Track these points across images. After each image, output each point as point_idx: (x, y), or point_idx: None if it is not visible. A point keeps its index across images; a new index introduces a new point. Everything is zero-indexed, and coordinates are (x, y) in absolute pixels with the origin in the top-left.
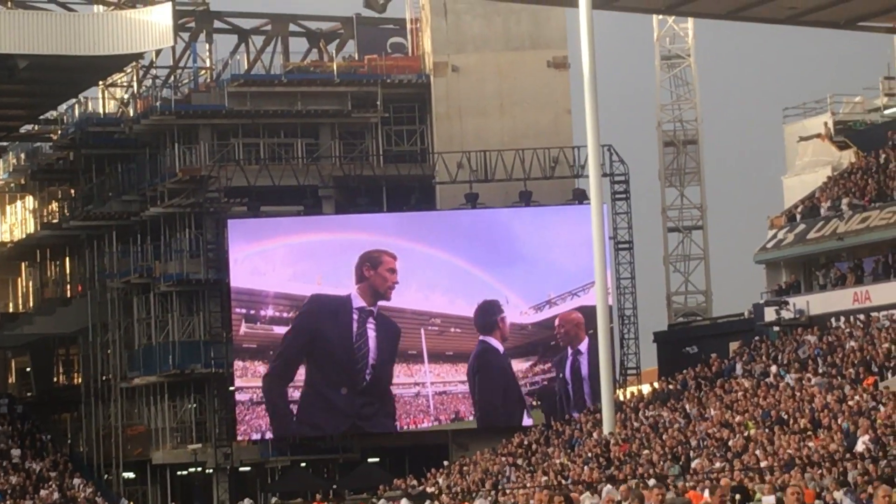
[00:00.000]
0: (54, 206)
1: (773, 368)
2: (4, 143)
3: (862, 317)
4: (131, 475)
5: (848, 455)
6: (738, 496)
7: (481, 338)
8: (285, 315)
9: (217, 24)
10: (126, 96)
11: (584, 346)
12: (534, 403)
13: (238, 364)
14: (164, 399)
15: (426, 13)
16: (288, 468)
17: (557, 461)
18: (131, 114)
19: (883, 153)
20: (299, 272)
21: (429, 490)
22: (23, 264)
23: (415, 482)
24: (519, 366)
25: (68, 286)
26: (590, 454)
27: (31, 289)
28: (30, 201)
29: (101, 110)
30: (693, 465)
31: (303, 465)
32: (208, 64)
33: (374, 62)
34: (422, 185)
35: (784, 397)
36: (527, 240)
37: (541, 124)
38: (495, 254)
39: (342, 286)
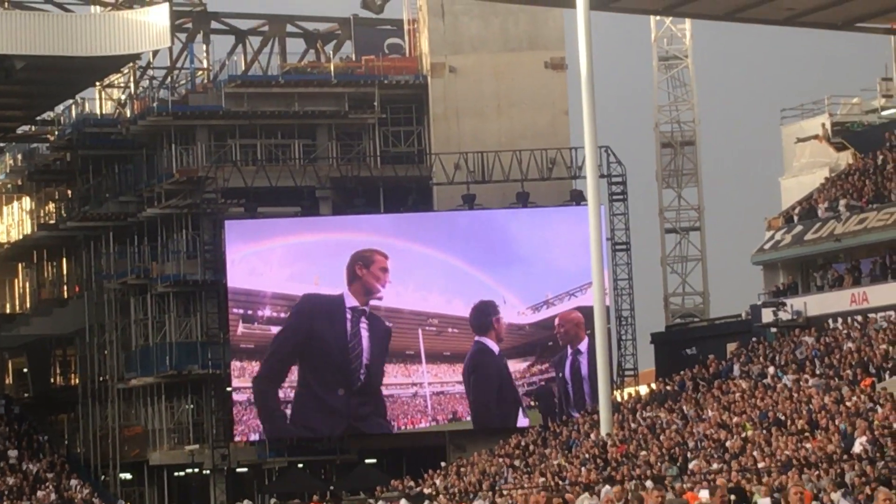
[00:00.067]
0: (51, 206)
1: (771, 370)
2: (1, 144)
3: (859, 318)
4: (128, 476)
5: (845, 456)
6: (733, 497)
7: (477, 338)
8: (282, 315)
9: (214, 24)
10: (123, 97)
11: (583, 346)
12: (531, 404)
13: (235, 364)
14: (162, 400)
15: (423, 14)
16: (285, 469)
17: (555, 462)
18: (128, 115)
19: (880, 154)
20: (296, 273)
21: (426, 491)
22: (20, 265)
23: (412, 483)
24: (516, 366)
25: (65, 287)
26: (587, 455)
27: (27, 290)
28: (27, 202)
29: (98, 111)
30: (690, 466)
31: (300, 466)
32: (205, 65)
33: (371, 63)
34: (419, 186)
35: (781, 398)
36: (524, 240)
37: (538, 125)
38: (493, 254)
39: (339, 286)
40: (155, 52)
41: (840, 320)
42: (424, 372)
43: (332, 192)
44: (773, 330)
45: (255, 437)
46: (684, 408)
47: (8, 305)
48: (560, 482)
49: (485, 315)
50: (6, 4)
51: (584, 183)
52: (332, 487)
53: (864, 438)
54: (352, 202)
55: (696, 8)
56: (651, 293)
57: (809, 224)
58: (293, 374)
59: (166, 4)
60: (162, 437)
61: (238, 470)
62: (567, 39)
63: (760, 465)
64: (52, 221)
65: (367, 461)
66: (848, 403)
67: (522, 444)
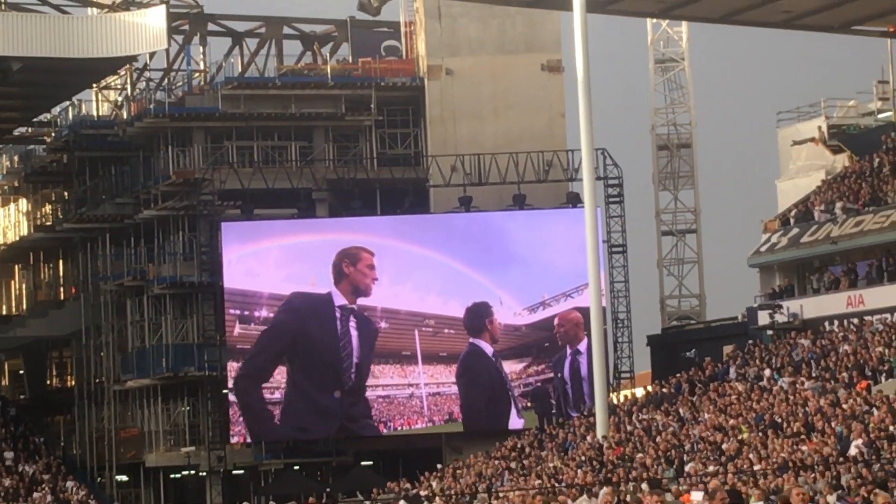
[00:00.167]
0: (48, 208)
1: (767, 372)
2: None
3: (855, 320)
4: (124, 478)
5: (841, 459)
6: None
7: (471, 340)
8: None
9: (211, 26)
10: (120, 99)
11: (583, 346)
12: (527, 404)
13: (232, 365)
14: (158, 402)
15: (420, 16)
16: (281, 471)
17: (551, 464)
18: (125, 116)
19: (877, 157)
20: (293, 274)
21: (422, 493)
22: (16, 267)
23: (408, 485)
24: (512, 367)
25: (62, 289)
26: (583, 457)
27: (24, 291)
28: (23, 204)
29: (94, 113)
30: (686, 468)
31: (296, 468)
32: (202, 67)
33: (368, 65)
34: (415, 189)
35: (777, 401)
36: (521, 242)
37: (535, 128)
38: (489, 255)
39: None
40: (152, 54)
41: (836, 323)
42: (421, 373)
43: (329, 194)
44: (770, 332)
45: (250, 438)
46: (680, 410)
47: (4, 307)
48: (556, 484)
49: (478, 317)
50: (2, 6)
51: (581, 185)
52: (328, 489)
53: (860, 441)
54: (348, 204)
55: (693, 10)
56: (647, 295)
57: (806, 227)
58: (279, 374)
59: (163, 6)
60: (158, 439)
61: (234, 472)
62: (564, 42)
63: (756, 467)
64: (48, 223)
65: (364, 463)
66: (844, 406)
67: (519, 446)
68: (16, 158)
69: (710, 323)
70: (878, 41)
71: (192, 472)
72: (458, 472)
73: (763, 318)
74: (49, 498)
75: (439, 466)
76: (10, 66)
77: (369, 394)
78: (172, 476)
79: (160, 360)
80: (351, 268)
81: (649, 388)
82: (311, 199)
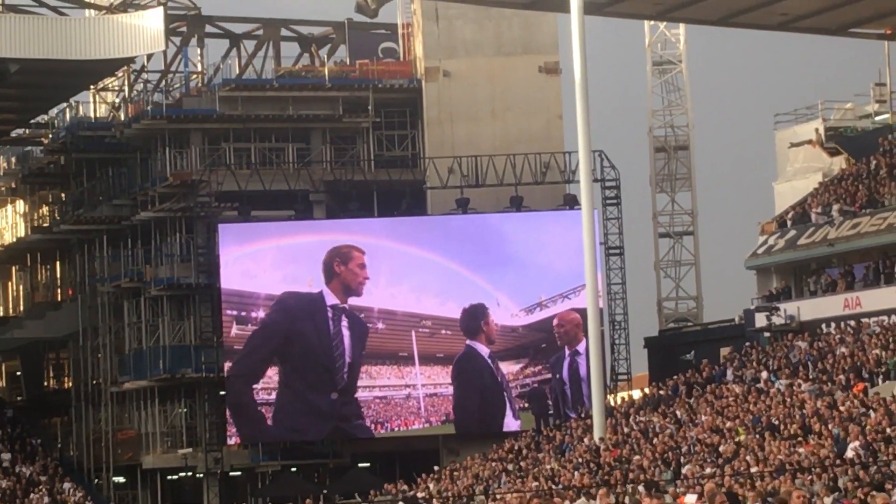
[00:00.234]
0: (45, 209)
1: (764, 374)
2: None
3: (853, 323)
4: (121, 479)
5: (838, 461)
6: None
7: (468, 342)
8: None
9: (209, 28)
10: (117, 100)
11: (582, 347)
12: (524, 405)
13: (229, 366)
14: (155, 403)
15: (418, 18)
16: (278, 473)
17: (548, 466)
18: (122, 118)
19: (874, 159)
20: (290, 275)
21: (420, 495)
22: (13, 268)
23: (405, 487)
24: (509, 368)
25: (59, 290)
26: (580, 460)
27: (21, 293)
28: (20, 205)
29: (92, 114)
30: (683, 470)
31: (293, 469)
32: (200, 68)
33: (365, 67)
34: (413, 190)
35: (774, 403)
36: (518, 243)
37: (532, 130)
38: (486, 256)
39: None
40: (149, 56)
41: (833, 325)
42: (418, 374)
43: (326, 195)
44: (767, 334)
45: (241, 440)
46: (678, 412)
47: (1, 308)
48: (553, 486)
49: (474, 318)
50: (0, 8)
51: (578, 187)
52: (325, 491)
53: (856, 443)
54: (346, 206)
55: (690, 13)
56: (644, 297)
57: (803, 229)
58: (272, 375)
59: (161, 8)
60: (155, 441)
61: (231, 473)
62: (561, 44)
63: (753, 469)
64: (45, 224)
65: (361, 465)
66: (841, 408)
67: (516, 447)
68: (13, 160)
69: (708, 325)
70: (876, 44)
71: (189, 473)
72: (455, 473)
73: (760, 320)
74: (46, 499)
75: (436, 468)
76: (8, 67)
77: (367, 394)
78: (169, 478)
79: (157, 362)
80: (342, 267)
81: (646, 390)
82: (308, 201)
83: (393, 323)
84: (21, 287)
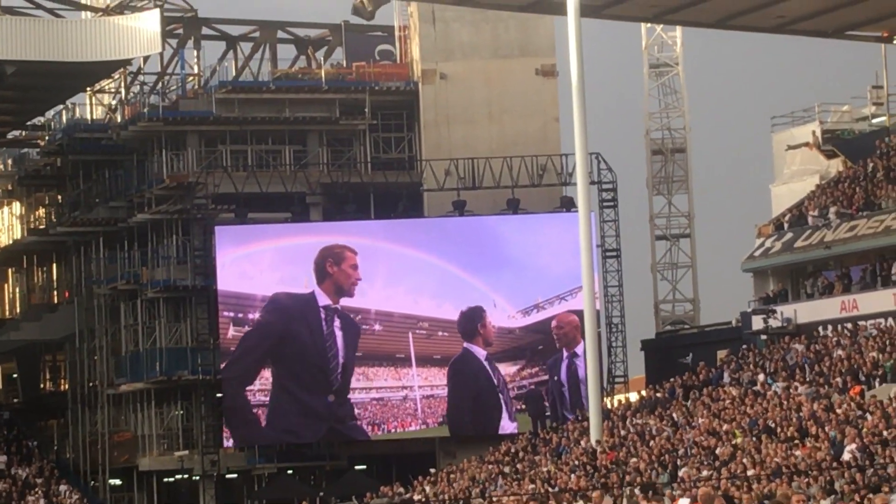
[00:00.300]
0: (41, 211)
1: (761, 377)
2: None
3: (849, 325)
4: (118, 482)
5: (835, 464)
6: None
7: (465, 345)
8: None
9: (205, 30)
10: (114, 102)
11: (580, 349)
12: (521, 407)
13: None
14: (151, 406)
15: (414, 20)
16: (275, 475)
17: (544, 469)
18: (119, 120)
19: (871, 162)
20: (286, 276)
21: (416, 498)
22: (9, 270)
23: (401, 490)
24: (506, 370)
25: (55, 292)
26: (577, 462)
27: (17, 295)
28: (17, 207)
29: (88, 116)
30: (680, 473)
31: (289, 472)
32: (196, 70)
33: (362, 69)
34: (409, 193)
35: (771, 406)
36: (515, 245)
37: (529, 132)
38: (483, 258)
39: None
40: (146, 58)
41: (830, 328)
42: (414, 375)
43: (323, 198)
44: (763, 337)
45: (234, 442)
46: (674, 415)
47: None
48: (550, 489)
49: (471, 321)
50: None
51: (575, 190)
52: (321, 493)
53: (853, 446)
54: (342, 208)
55: (687, 15)
56: (641, 300)
57: (799, 231)
58: (266, 376)
59: (157, 10)
60: (151, 443)
61: (228, 476)
62: (558, 46)
63: (750, 472)
64: (42, 226)
65: (357, 467)
66: (838, 411)
67: (512, 450)
68: (9, 162)
69: (704, 327)
70: (873, 46)
71: (186, 476)
72: (452, 476)
73: (757, 322)
74: (42, 502)
75: (433, 471)
76: (4, 69)
77: (363, 396)
78: (166, 480)
79: (154, 364)
80: (335, 267)
81: (643, 392)
82: (304, 203)
83: (390, 324)
84: (17, 289)
